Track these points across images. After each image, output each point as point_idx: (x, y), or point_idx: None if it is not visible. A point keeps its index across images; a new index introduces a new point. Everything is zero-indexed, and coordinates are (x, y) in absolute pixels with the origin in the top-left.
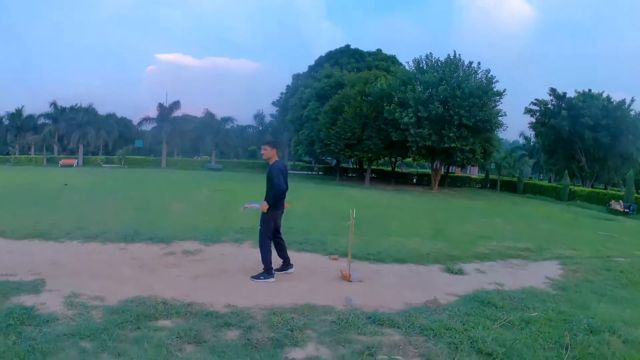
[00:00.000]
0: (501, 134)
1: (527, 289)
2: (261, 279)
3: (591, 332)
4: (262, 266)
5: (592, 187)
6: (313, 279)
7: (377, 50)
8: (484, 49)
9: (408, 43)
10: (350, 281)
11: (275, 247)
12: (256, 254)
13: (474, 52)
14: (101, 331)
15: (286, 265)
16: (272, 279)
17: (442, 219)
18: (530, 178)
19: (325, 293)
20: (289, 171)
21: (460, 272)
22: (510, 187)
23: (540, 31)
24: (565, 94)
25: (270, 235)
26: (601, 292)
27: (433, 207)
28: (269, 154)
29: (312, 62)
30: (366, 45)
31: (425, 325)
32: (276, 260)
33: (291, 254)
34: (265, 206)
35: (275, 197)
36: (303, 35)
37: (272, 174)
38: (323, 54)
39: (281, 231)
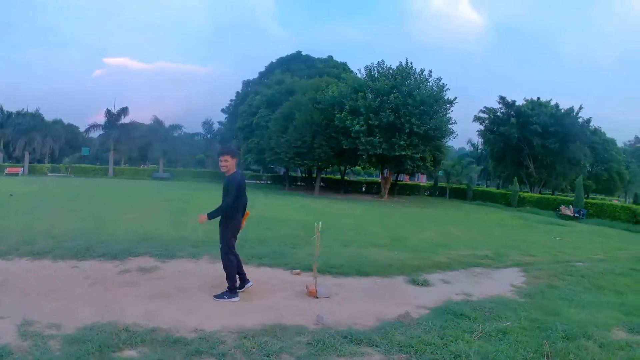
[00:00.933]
0: (449, 142)
1: (495, 298)
2: (225, 298)
3: (568, 338)
4: (225, 284)
5: (540, 192)
6: (278, 296)
7: (329, 57)
8: (434, 56)
9: (359, 50)
10: (317, 297)
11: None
12: (215, 269)
13: (425, 59)
14: None
15: (243, 280)
16: (236, 299)
17: (396, 228)
18: (478, 185)
19: (293, 311)
20: None
21: (425, 283)
22: (459, 194)
23: (489, 39)
24: (514, 101)
25: (234, 253)
26: (568, 297)
27: (386, 216)
28: (229, 164)
29: (262, 69)
30: (318, 51)
31: (404, 341)
32: None
33: (251, 269)
34: (202, 218)
35: (225, 211)
36: (254, 40)
37: (230, 188)
38: (274, 60)
39: (235, 245)
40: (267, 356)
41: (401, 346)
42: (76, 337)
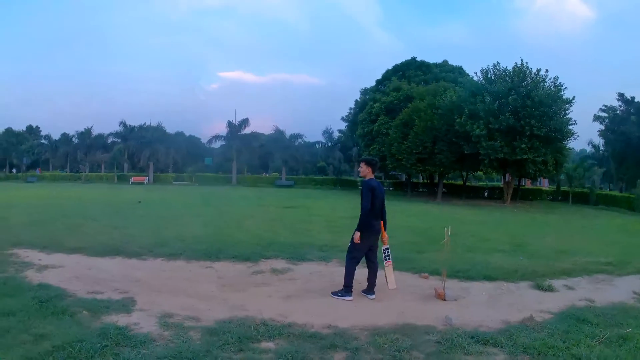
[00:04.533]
0: (569, 144)
1: (617, 305)
2: (339, 295)
3: None
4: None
5: None
6: (408, 298)
7: (443, 61)
8: (544, 53)
9: (465, 52)
10: (445, 300)
11: (368, 268)
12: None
13: (534, 57)
14: (204, 354)
15: (369, 289)
16: (349, 298)
17: (519, 234)
18: (600, 188)
19: (422, 312)
20: (360, 187)
21: (550, 288)
22: (582, 199)
23: (601, 32)
24: (633, 98)
25: (359, 258)
26: None
27: (508, 222)
28: (365, 171)
29: (378, 76)
30: (427, 55)
31: (527, 344)
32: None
33: (380, 273)
34: (357, 236)
35: (362, 217)
36: (361, 48)
37: (362, 191)
38: (390, 67)
39: (376, 253)
40: (399, 352)
41: (525, 348)
42: (215, 329)
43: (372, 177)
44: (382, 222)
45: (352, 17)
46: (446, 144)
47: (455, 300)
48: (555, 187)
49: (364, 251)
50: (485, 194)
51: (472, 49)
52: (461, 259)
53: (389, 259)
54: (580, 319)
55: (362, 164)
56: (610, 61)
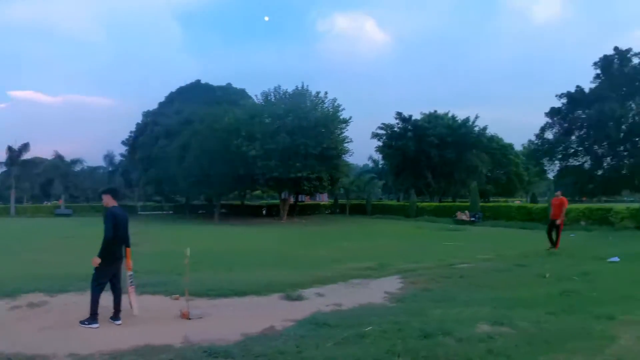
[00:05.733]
0: (353, 159)
1: (365, 306)
2: (86, 324)
3: (425, 337)
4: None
5: (441, 201)
6: (154, 321)
7: (227, 84)
8: (341, 75)
9: (268, 74)
10: (190, 319)
11: (113, 294)
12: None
13: (332, 80)
14: None
15: (116, 315)
16: (95, 325)
17: (289, 248)
18: (381, 199)
19: (165, 333)
20: (140, 212)
21: (299, 298)
22: (359, 210)
23: (393, 56)
24: (411, 116)
25: (104, 285)
26: (440, 298)
27: (281, 237)
28: (107, 201)
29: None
30: (224, 78)
31: (260, 352)
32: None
33: (127, 298)
34: (96, 261)
35: (104, 245)
36: (159, 70)
37: (105, 219)
38: (174, 90)
39: (120, 279)
40: None
41: (257, 356)
42: None
43: (115, 204)
44: (127, 248)
45: (153, 37)
46: (223, 165)
47: (201, 317)
48: (333, 201)
49: (108, 278)
50: (264, 212)
51: (276, 73)
52: (217, 277)
53: (133, 284)
54: (321, 323)
55: (102, 196)
56: (402, 82)
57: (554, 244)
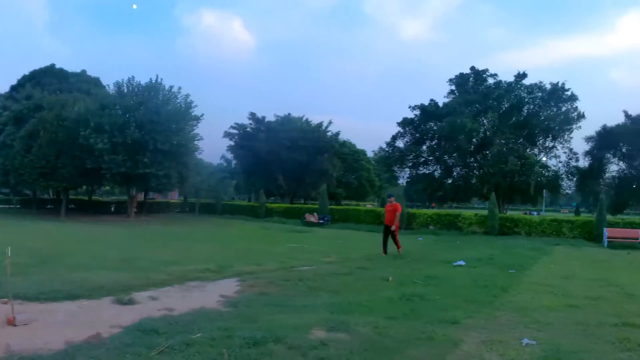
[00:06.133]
0: (208, 157)
1: (197, 311)
2: None
3: (254, 344)
4: None
5: (292, 202)
6: None
7: (82, 71)
8: (202, 72)
9: (129, 64)
10: (16, 325)
11: None
12: None
13: (197, 76)
14: None
15: None
16: None
17: (132, 248)
18: (234, 199)
19: None
20: None
21: (130, 302)
22: (210, 209)
23: (258, 57)
24: (264, 117)
25: None
26: (275, 303)
27: (126, 236)
28: None
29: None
30: (86, 64)
31: None
32: None
33: None
34: None
35: None
36: (28, 53)
37: None
38: (27, 73)
39: None
40: None
41: None
42: None
43: None
44: None
45: (14, 15)
46: (70, 158)
47: (27, 324)
48: (183, 199)
49: None
50: (113, 208)
51: (137, 64)
52: (56, 279)
53: None
54: (149, 330)
55: None
56: (264, 84)
57: (386, 251)
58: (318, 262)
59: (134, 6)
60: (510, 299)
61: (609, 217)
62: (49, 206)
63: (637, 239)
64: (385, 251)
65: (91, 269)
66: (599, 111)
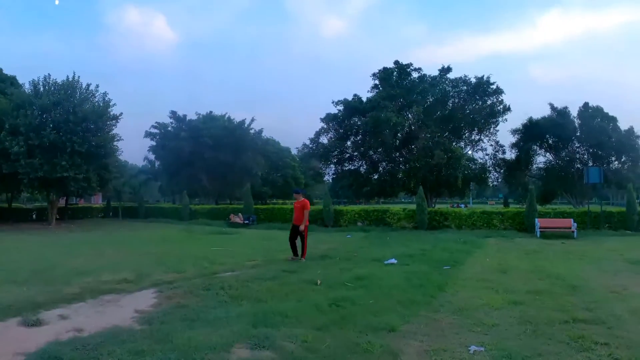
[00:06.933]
0: (131, 159)
1: (109, 330)
2: None
3: None
4: None
5: (217, 203)
6: None
7: None
8: (124, 70)
9: (58, 64)
10: None
11: None
12: None
13: (121, 74)
14: None
15: None
16: None
17: (47, 258)
18: (158, 201)
19: None
20: None
21: (38, 323)
22: (133, 213)
23: (183, 54)
24: (185, 116)
25: None
26: (194, 316)
27: (43, 245)
28: None
29: None
30: (4, 63)
31: None
32: None
33: None
34: None
35: None
36: None
37: None
38: None
39: None
40: None
41: None
42: None
43: None
44: None
45: None
46: None
47: None
48: (105, 203)
49: None
50: (34, 216)
51: (58, 62)
52: None
53: None
54: (53, 357)
55: None
56: (186, 83)
57: (299, 253)
58: (242, 266)
59: (56, 1)
60: (448, 299)
61: (539, 207)
62: None
63: (570, 228)
64: (295, 253)
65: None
66: (523, 103)
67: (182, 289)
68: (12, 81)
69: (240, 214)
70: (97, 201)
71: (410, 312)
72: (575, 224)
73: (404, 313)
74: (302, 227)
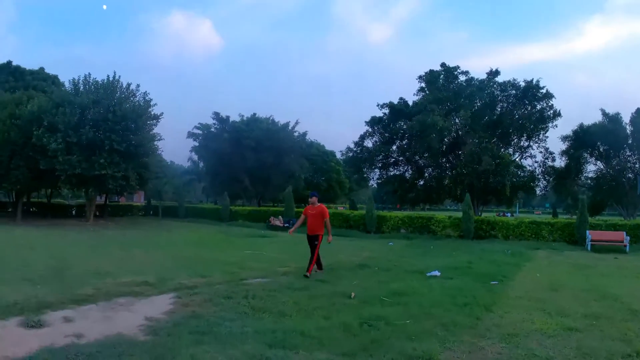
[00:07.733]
0: (177, 159)
1: (109, 339)
2: None
3: None
4: None
5: (259, 205)
6: None
7: (40, 68)
8: (168, 73)
9: (95, 64)
10: None
11: None
12: None
13: (158, 75)
14: None
15: None
16: None
17: (72, 256)
18: (201, 202)
19: None
20: None
21: (38, 324)
22: (173, 213)
23: (224, 60)
24: (228, 117)
25: None
26: (205, 329)
27: (75, 243)
28: None
29: None
30: (43, 62)
31: None
32: None
33: None
34: None
35: None
36: None
37: None
38: None
39: None
40: None
41: None
42: None
43: None
44: None
45: None
46: (23, 158)
47: None
48: (146, 202)
49: None
50: (73, 212)
51: (104, 64)
52: None
53: None
54: None
55: None
56: (231, 87)
57: (313, 266)
58: (273, 272)
59: (104, 7)
60: (496, 322)
61: (589, 219)
62: (10, 209)
63: (622, 242)
64: (320, 266)
65: (12, 281)
66: (573, 110)
67: (202, 295)
68: (53, 80)
69: (280, 216)
70: (140, 200)
71: (452, 337)
72: (628, 238)
73: (445, 337)
74: (329, 239)
